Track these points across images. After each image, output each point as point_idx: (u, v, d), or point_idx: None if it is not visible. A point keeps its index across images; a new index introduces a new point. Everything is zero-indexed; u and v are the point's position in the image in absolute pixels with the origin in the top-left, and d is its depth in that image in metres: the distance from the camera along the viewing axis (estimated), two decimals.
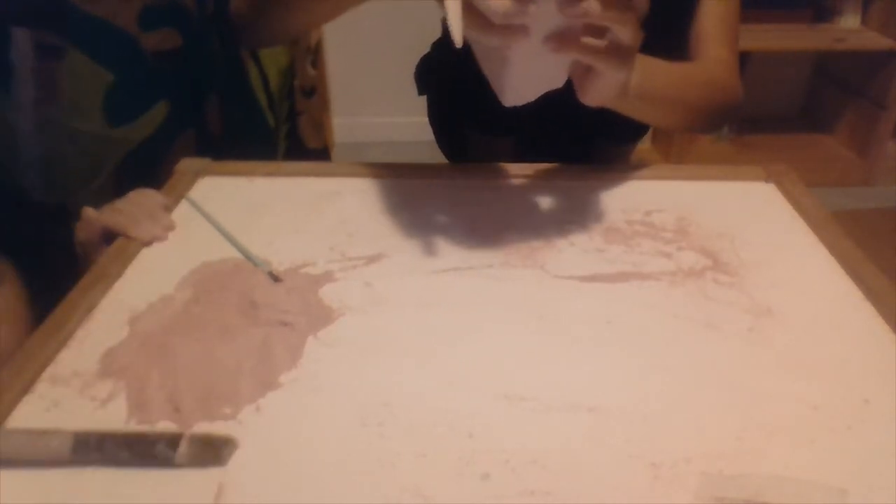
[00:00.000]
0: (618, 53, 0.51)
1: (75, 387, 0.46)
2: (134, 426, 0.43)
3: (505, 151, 0.95)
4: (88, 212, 0.61)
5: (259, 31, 0.74)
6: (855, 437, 0.43)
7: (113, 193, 0.66)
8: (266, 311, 0.52)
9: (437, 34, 0.85)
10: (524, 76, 0.55)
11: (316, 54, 1.15)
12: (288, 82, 1.02)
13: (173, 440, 0.41)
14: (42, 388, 0.46)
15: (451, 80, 0.86)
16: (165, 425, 0.43)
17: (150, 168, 0.78)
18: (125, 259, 0.58)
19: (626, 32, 0.50)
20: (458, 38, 0.48)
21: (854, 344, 0.51)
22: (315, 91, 1.13)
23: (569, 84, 0.56)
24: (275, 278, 0.56)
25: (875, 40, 2.19)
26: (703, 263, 0.59)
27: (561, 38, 0.50)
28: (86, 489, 0.39)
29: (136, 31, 0.75)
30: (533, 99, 0.56)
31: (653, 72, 0.64)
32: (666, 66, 0.67)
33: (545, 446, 0.42)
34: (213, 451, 0.41)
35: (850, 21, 2.28)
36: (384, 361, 0.48)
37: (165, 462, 0.40)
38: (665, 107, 0.69)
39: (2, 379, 0.45)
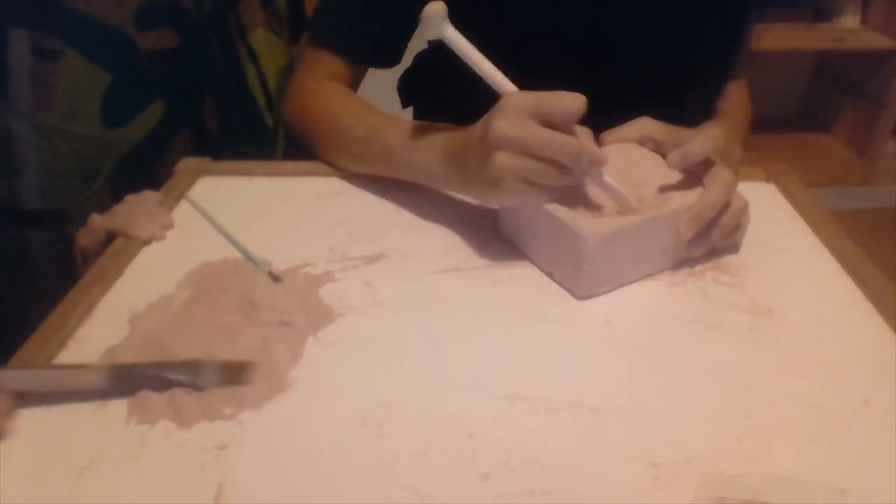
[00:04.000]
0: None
1: None
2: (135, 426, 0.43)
3: None
4: (96, 218, 0.61)
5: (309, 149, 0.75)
6: (855, 437, 0.43)
7: (111, 195, 0.65)
8: (266, 311, 0.52)
9: (421, 46, 0.85)
10: (611, 268, 0.54)
11: None
12: (287, 82, 1.01)
13: (193, 366, 0.45)
14: None
15: (436, 93, 0.86)
16: (165, 425, 0.43)
17: (146, 169, 0.77)
18: (125, 259, 0.58)
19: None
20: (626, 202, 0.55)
21: (854, 344, 0.51)
22: None
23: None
24: (275, 278, 0.56)
25: (875, 40, 2.19)
26: (703, 263, 0.59)
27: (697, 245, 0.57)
28: (87, 489, 0.39)
29: (131, 30, 0.75)
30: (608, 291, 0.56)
31: (737, 136, 0.71)
32: (740, 123, 0.76)
33: (545, 446, 0.42)
34: (231, 372, 0.45)
35: (850, 21, 2.28)
36: (384, 361, 0.48)
37: (194, 386, 0.44)
38: None
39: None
